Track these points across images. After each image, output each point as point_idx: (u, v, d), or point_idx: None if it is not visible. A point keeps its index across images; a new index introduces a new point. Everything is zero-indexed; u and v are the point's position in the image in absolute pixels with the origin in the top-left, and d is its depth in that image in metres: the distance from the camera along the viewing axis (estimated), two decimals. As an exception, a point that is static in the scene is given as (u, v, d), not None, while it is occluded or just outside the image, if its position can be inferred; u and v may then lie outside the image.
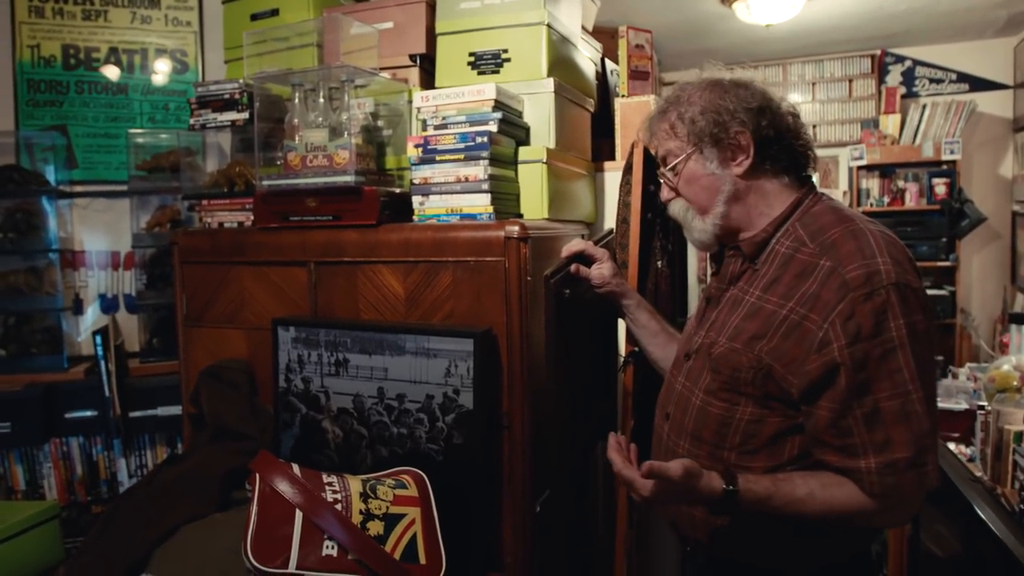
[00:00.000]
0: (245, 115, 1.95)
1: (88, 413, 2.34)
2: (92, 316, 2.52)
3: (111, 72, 2.51)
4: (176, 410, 2.32)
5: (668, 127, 1.35)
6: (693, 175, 1.33)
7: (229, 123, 1.96)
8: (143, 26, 2.51)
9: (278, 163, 1.88)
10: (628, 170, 1.76)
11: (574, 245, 1.60)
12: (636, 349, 1.69)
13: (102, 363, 2.27)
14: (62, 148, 2.45)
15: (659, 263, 1.81)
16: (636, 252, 1.68)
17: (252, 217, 1.95)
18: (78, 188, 2.50)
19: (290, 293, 1.83)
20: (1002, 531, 1.27)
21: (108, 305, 2.54)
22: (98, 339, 2.25)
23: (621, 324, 1.87)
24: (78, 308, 2.50)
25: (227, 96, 1.96)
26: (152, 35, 2.53)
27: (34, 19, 2.41)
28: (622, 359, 1.73)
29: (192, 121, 2.00)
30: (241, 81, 1.96)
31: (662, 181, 1.40)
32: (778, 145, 1.29)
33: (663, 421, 1.42)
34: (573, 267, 1.61)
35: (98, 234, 2.53)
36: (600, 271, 1.59)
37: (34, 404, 2.30)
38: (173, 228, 2.48)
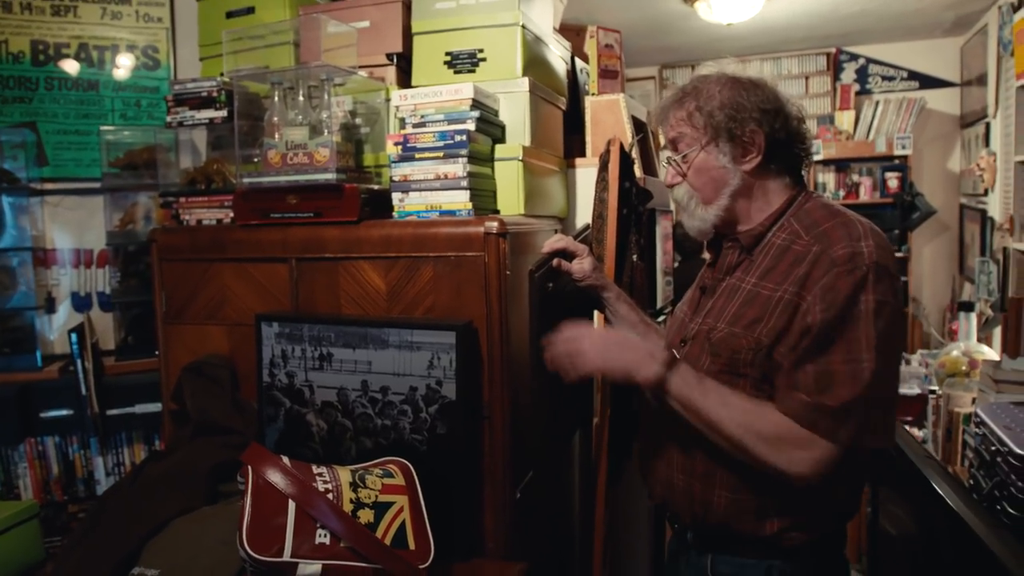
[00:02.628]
0: (223, 113, 1.96)
1: (64, 412, 2.33)
2: (64, 315, 2.51)
3: (71, 67, 2.49)
4: (154, 407, 2.33)
5: (686, 115, 1.40)
6: (704, 166, 1.40)
7: (207, 121, 1.98)
8: (113, 22, 2.50)
9: (255, 160, 1.90)
10: (604, 167, 1.82)
11: (555, 241, 1.66)
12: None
13: (78, 361, 2.26)
14: (32, 145, 2.43)
15: (634, 257, 1.88)
16: (613, 247, 1.75)
17: (231, 214, 1.96)
18: (48, 186, 2.48)
19: (271, 289, 1.86)
20: (956, 503, 1.36)
21: (81, 303, 2.52)
22: (74, 337, 2.24)
23: (596, 318, 1.93)
24: (50, 307, 2.49)
25: (204, 94, 1.97)
26: (123, 31, 2.51)
27: (2, 14, 2.39)
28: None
29: (169, 119, 2.01)
30: (219, 79, 1.97)
31: (669, 165, 1.46)
32: (786, 147, 1.37)
33: (655, 406, 1.46)
34: (555, 261, 1.66)
35: (70, 232, 2.51)
36: (581, 265, 1.65)
37: (8, 404, 2.29)
38: (145, 225, 2.48)
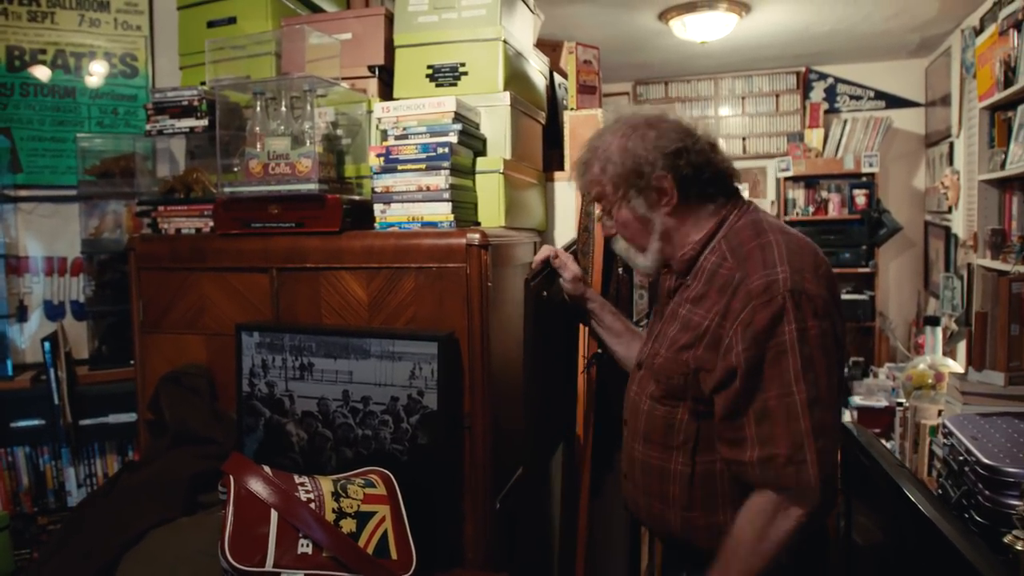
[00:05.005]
0: (204, 122, 1.96)
1: (35, 422, 2.29)
2: (36, 323, 2.47)
3: (42, 73, 2.46)
4: (128, 418, 2.30)
5: (594, 179, 1.42)
6: (625, 220, 1.42)
7: (187, 130, 1.97)
8: (91, 29, 2.48)
9: (235, 170, 1.90)
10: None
11: (546, 250, 1.70)
12: (600, 351, 1.77)
13: (51, 370, 2.23)
14: (6, 152, 2.40)
15: (619, 269, 1.90)
16: (600, 259, 1.77)
17: (211, 223, 1.96)
18: (23, 192, 2.45)
19: (251, 299, 1.86)
20: (928, 510, 1.40)
21: (54, 312, 2.49)
22: (47, 346, 2.21)
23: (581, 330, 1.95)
24: (22, 315, 2.45)
25: (185, 103, 1.97)
26: (101, 38, 2.49)
27: (-23, 20, 2.37)
28: (587, 361, 1.81)
29: (149, 127, 2.00)
30: (200, 88, 1.97)
31: (599, 222, 1.49)
32: (700, 178, 1.36)
33: (624, 427, 1.52)
34: (556, 261, 1.69)
35: (44, 240, 2.48)
36: (573, 275, 1.69)
37: (-23, 413, 2.25)
38: (119, 234, 2.45)
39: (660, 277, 1.54)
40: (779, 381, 1.21)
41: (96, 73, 2.51)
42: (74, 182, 2.44)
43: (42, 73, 2.45)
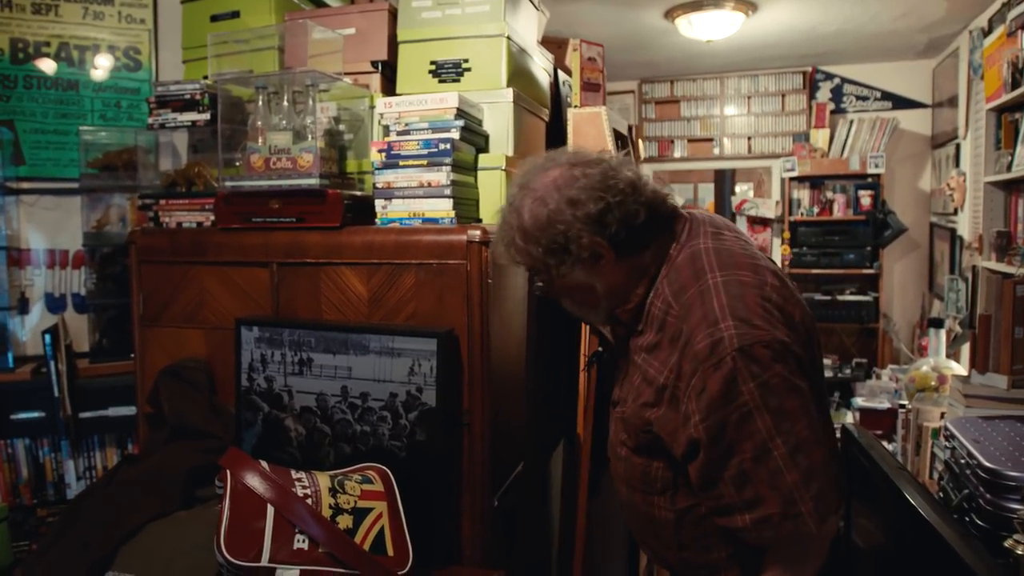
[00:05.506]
0: (206, 116, 1.96)
1: (35, 414, 2.29)
2: (38, 316, 2.47)
3: (46, 66, 2.46)
4: (127, 411, 2.30)
5: (522, 258, 1.30)
6: (565, 288, 1.33)
7: (189, 123, 1.97)
8: (95, 22, 2.48)
9: (237, 164, 1.90)
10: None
11: None
12: (600, 349, 1.77)
13: (51, 363, 2.23)
14: (9, 144, 2.40)
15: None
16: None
17: (212, 217, 1.96)
18: (25, 185, 2.45)
19: (251, 293, 1.85)
20: (927, 513, 1.39)
21: (55, 304, 2.49)
22: (47, 338, 2.21)
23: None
24: (23, 307, 2.45)
25: (188, 96, 1.96)
26: (104, 31, 2.49)
27: (-19, 11, 2.37)
28: (587, 359, 1.81)
29: (151, 120, 2.00)
30: (202, 82, 1.97)
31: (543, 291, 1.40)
32: (632, 231, 1.24)
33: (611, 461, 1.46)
34: None
35: (45, 232, 2.48)
36: None
37: (-23, 405, 2.25)
38: (121, 227, 2.46)
39: (610, 329, 1.43)
40: (751, 443, 1.12)
41: (100, 66, 2.51)
42: (76, 175, 2.44)
43: (47, 66, 2.45)
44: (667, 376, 1.21)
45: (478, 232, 1.65)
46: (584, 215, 1.21)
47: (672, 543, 1.32)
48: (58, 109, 2.47)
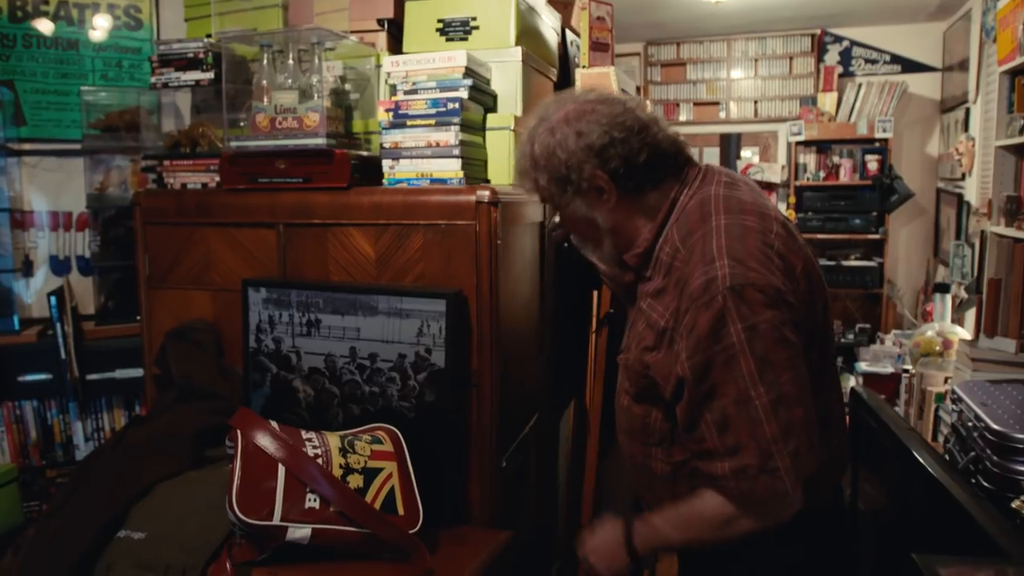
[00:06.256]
0: (210, 75, 1.93)
1: (42, 376, 2.30)
2: (42, 278, 2.46)
3: (44, 27, 2.42)
4: (134, 372, 2.30)
5: (532, 186, 1.34)
6: (571, 219, 1.35)
7: (193, 83, 1.94)
8: (95, -20, 2.44)
9: (241, 124, 1.87)
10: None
11: None
12: (612, 311, 1.76)
13: (58, 325, 2.23)
14: (9, 104, 2.37)
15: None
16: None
17: (216, 178, 1.94)
18: (27, 146, 2.42)
19: (258, 255, 1.84)
20: (939, 474, 1.40)
21: (60, 267, 2.48)
22: (53, 300, 2.21)
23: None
24: (28, 270, 2.44)
25: (191, 55, 1.93)
26: (104, -11, 2.45)
27: (-23, -31, 2.32)
28: (598, 321, 1.81)
29: (154, 79, 1.97)
30: (205, 40, 1.93)
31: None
32: (634, 169, 1.25)
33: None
34: None
35: (48, 194, 2.46)
36: None
37: (-16, 367, 2.26)
38: (123, 189, 2.44)
39: (619, 273, 1.44)
40: (734, 387, 1.12)
41: (100, 26, 2.47)
42: (79, 136, 2.42)
43: (44, 26, 2.40)
44: (668, 320, 1.22)
45: (487, 193, 1.63)
46: (586, 146, 1.23)
47: (667, 497, 1.33)
48: (58, 69, 2.44)
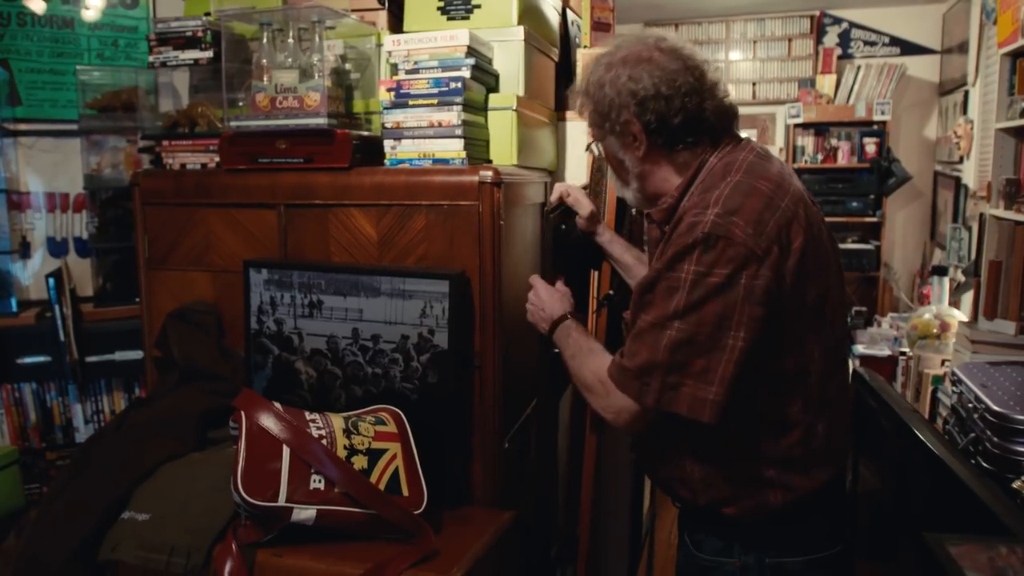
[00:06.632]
0: (209, 54, 1.90)
1: (41, 359, 2.28)
2: (39, 260, 2.44)
3: (36, 6, 2.38)
4: (134, 355, 2.29)
5: (581, 108, 1.41)
6: (607, 155, 1.42)
7: (191, 62, 1.91)
8: (89, -43, 2.40)
9: (241, 104, 1.85)
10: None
11: (560, 188, 1.71)
12: (611, 292, 1.76)
13: (56, 307, 2.21)
14: (4, 84, 2.34)
15: (632, 210, 1.88)
16: (614, 200, 1.74)
17: (216, 159, 1.92)
18: (22, 126, 2.39)
19: (259, 236, 1.83)
20: (943, 454, 1.40)
21: (57, 249, 2.46)
22: (52, 282, 2.19)
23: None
24: (25, 252, 2.42)
25: (189, 33, 1.90)
26: (99, -33, 2.41)
27: (-31, -55, 2.28)
28: (598, 302, 1.80)
29: (151, 58, 1.94)
30: (204, 18, 1.91)
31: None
32: (667, 128, 1.29)
33: None
34: (569, 199, 1.70)
35: (44, 175, 2.43)
36: (588, 211, 1.68)
37: (-18, 349, 2.24)
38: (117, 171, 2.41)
39: (646, 227, 1.51)
40: (659, 311, 1.19)
41: (95, 5, 2.43)
42: (75, 116, 2.39)
43: (36, 6, 2.36)
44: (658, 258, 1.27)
45: (490, 173, 1.62)
46: (631, 92, 1.28)
47: (651, 451, 1.38)
48: (54, 48, 2.40)
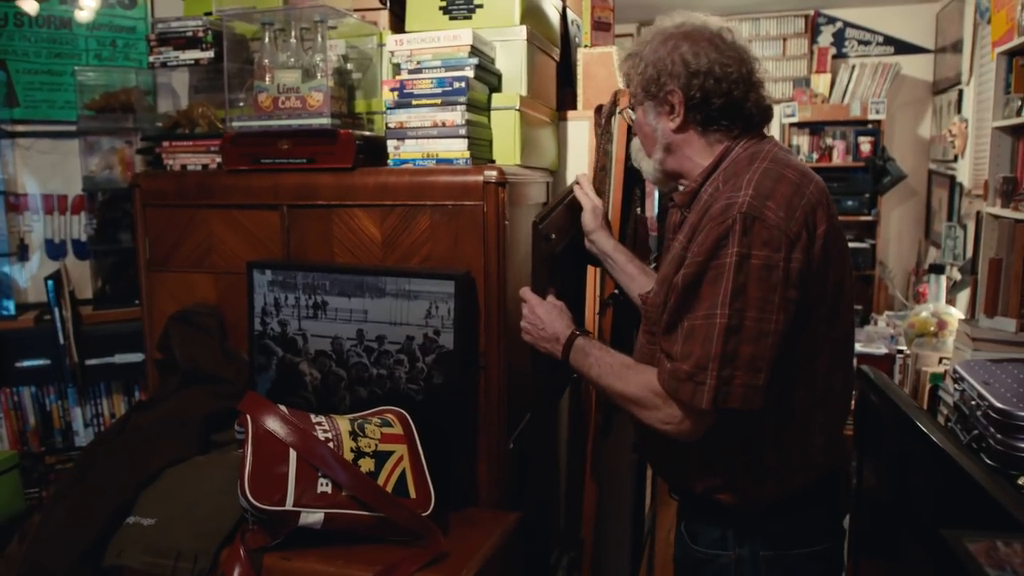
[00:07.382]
0: (209, 54, 1.89)
1: (40, 362, 2.26)
2: (37, 263, 2.42)
3: (29, 7, 2.37)
4: (134, 357, 2.28)
5: (625, 75, 1.44)
6: (639, 122, 1.44)
7: (192, 62, 1.90)
8: (86, -43, 2.38)
9: (242, 104, 1.84)
10: (608, 119, 1.81)
11: (580, 176, 1.75)
12: (617, 292, 1.75)
13: (55, 310, 2.20)
14: (2, 85, 2.32)
15: (637, 209, 1.88)
16: (620, 200, 1.74)
17: (217, 159, 1.91)
18: (20, 128, 2.37)
19: (261, 237, 1.82)
20: (943, 441, 1.40)
21: (56, 251, 2.44)
22: (50, 285, 2.17)
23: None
24: (23, 254, 2.40)
25: (190, 34, 1.89)
26: (97, -34, 2.40)
27: (-34, -55, 2.26)
28: (602, 303, 1.80)
29: (151, 58, 1.93)
30: (205, 18, 1.90)
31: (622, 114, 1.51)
32: (708, 106, 1.32)
33: None
34: (578, 188, 1.73)
35: (42, 177, 2.41)
36: (594, 205, 1.69)
37: (-19, 353, 2.22)
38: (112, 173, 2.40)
39: (668, 212, 1.52)
40: (709, 303, 1.19)
41: (90, 6, 2.41)
42: (73, 117, 2.37)
43: (29, 7, 2.34)
44: (684, 243, 1.27)
45: (494, 173, 1.61)
46: (685, 62, 1.30)
47: (663, 443, 1.36)
48: (51, 48, 2.38)
